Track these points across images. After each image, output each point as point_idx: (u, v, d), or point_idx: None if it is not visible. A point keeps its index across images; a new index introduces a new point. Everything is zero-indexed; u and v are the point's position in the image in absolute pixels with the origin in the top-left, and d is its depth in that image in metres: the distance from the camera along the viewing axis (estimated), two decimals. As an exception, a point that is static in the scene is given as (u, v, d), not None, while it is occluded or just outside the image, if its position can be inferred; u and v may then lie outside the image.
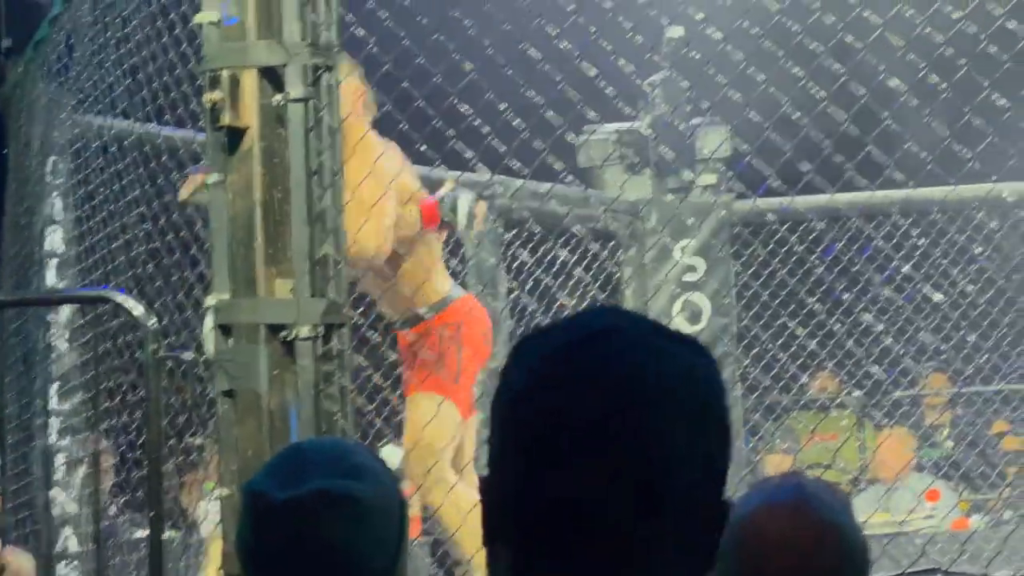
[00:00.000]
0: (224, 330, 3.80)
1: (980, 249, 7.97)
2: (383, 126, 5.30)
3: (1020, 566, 5.91)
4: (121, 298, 4.85)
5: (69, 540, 6.39)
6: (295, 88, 3.76)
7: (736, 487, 2.94)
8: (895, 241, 7.98)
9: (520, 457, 1.42)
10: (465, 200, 5.46)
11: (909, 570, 5.20)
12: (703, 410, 1.42)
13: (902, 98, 4.10)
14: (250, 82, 3.80)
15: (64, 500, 6.36)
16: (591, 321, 1.46)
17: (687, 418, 1.41)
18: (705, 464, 1.42)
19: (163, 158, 5.73)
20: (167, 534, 5.22)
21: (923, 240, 8.00)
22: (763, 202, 7.77)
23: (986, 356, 8.05)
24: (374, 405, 5.97)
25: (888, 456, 7.81)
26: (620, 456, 1.39)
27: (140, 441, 5.56)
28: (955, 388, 8.58)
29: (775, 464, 8.01)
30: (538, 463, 1.40)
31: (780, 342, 7.18)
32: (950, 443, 8.65)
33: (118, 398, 6.03)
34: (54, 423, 6.47)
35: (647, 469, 1.39)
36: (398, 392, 5.85)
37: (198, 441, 6.26)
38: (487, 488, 1.45)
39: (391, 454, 5.81)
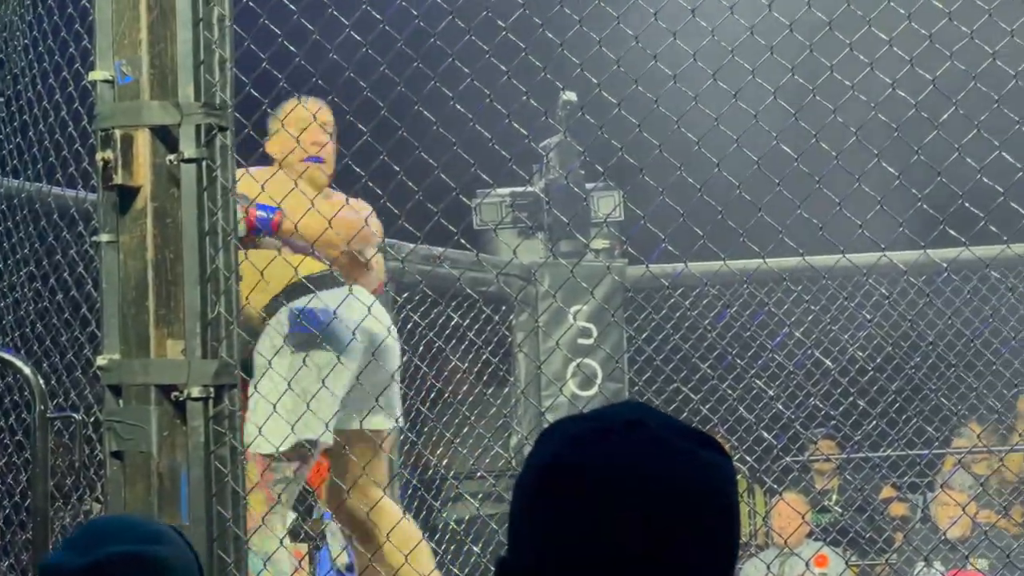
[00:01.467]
0: (114, 390, 3.76)
1: (869, 315, 8.05)
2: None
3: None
4: (8, 357, 4.78)
5: (-49, 605, 6.27)
6: (189, 148, 3.74)
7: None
8: (786, 307, 8.04)
9: (537, 531, 1.51)
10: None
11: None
12: (707, 502, 1.52)
13: (795, 164, 4.14)
14: (143, 141, 3.77)
15: (-55, 564, 6.23)
16: (617, 413, 1.56)
17: (692, 508, 1.51)
18: (709, 549, 1.51)
19: (53, 217, 5.66)
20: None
21: (814, 307, 8.07)
22: (656, 267, 7.81)
23: (874, 422, 8.11)
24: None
25: (787, 523, 7.83)
26: (626, 545, 1.48)
27: (26, 503, 5.46)
28: (844, 454, 8.64)
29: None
30: (552, 538, 1.50)
31: (672, 407, 7.20)
32: (838, 509, 8.70)
33: (3, 459, 5.93)
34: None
35: (653, 553, 1.49)
36: None
37: (86, 505, 6.16)
38: (504, 566, 1.55)
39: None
